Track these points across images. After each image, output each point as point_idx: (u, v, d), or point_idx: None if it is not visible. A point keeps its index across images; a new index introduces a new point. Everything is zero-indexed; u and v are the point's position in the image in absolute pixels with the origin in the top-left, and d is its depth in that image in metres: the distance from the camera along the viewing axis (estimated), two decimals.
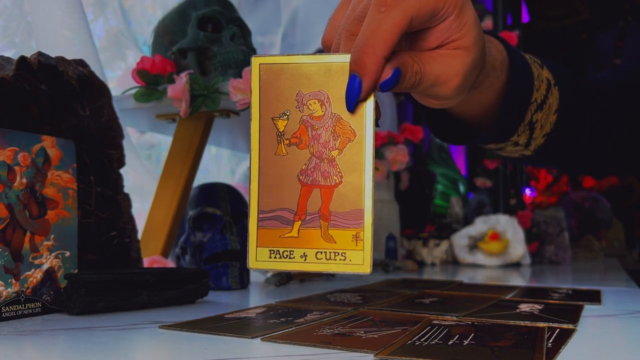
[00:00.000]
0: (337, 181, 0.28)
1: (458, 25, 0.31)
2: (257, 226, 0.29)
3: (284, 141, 0.29)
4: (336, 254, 0.28)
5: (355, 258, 0.28)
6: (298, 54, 0.29)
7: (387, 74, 0.29)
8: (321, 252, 0.28)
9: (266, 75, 0.29)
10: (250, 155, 0.29)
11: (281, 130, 0.29)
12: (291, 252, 0.29)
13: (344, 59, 0.28)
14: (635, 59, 0.63)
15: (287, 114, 0.29)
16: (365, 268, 0.28)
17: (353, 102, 0.28)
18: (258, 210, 0.29)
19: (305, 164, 0.29)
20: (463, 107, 0.42)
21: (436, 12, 0.31)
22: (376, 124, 0.29)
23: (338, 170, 0.28)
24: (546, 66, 0.49)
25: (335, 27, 0.33)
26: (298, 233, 0.29)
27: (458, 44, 0.32)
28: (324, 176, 0.29)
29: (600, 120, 0.56)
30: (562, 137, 0.51)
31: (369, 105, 0.28)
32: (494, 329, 0.34)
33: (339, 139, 0.29)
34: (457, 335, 0.32)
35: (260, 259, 0.29)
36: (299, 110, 0.29)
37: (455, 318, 0.37)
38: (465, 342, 0.30)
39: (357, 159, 0.28)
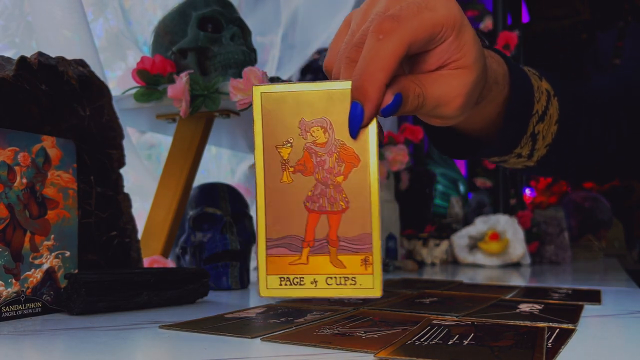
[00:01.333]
0: (344, 207, 0.29)
1: (457, 46, 0.32)
2: (266, 254, 0.29)
3: (288, 169, 0.29)
4: (346, 279, 0.29)
5: (365, 282, 0.28)
6: (299, 82, 0.30)
7: (389, 99, 0.30)
8: (331, 278, 0.29)
9: (268, 104, 0.29)
10: (256, 183, 0.29)
11: (285, 158, 0.29)
12: (301, 279, 0.29)
13: (345, 85, 0.29)
14: (634, 59, 0.64)
15: (291, 141, 0.29)
16: (376, 292, 0.28)
17: (356, 128, 0.29)
18: (266, 239, 0.29)
19: (311, 191, 0.29)
20: (466, 122, 0.42)
21: (434, 36, 0.31)
22: (380, 145, 0.29)
23: (344, 195, 0.29)
24: (545, 77, 0.49)
25: (336, 52, 0.33)
26: (307, 260, 0.29)
27: (459, 64, 0.32)
28: (330, 202, 0.29)
29: (599, 120, 0.56)
30: (563, 145, 0.52)
31: (371, 130, 0.29)
32: (494, 328, 0.34)
33: (343, 165, 0.29)
34: (457, 335, 0.32)
35: (270, 287, 0.29)
36: (302, 137, 0.29)
37: (455, 318, 0.37)
38: (465, 342, 0.30)
39: (362, 183, 0.28)
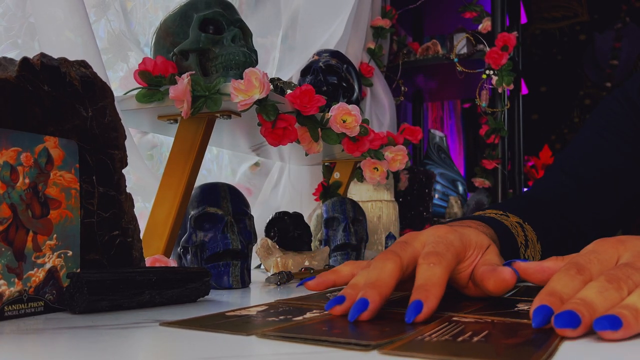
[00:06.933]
0: None
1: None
2: None
3: None
4: None
5: None
6: None
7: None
8: None
9: None
10: None
11: None
12: None
13: None
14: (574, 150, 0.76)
15: None
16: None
17: (413, 316, 0.35)
18: None
19: None
20: None
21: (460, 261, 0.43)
22: None
23: None
24: (508, 211, 0.60)
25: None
26: None
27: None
28: None
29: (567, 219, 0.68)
30: (556, 249, 0.61)
31: None
32: (511, 327, 0.34)
33: None
34: (470, 333, 0.32)
35: None
36: None
37: (476, 315, 0.38)
38: (475, 339, 0.30)
39: None
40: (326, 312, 0.39)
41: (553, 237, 0.64)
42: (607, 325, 0.30)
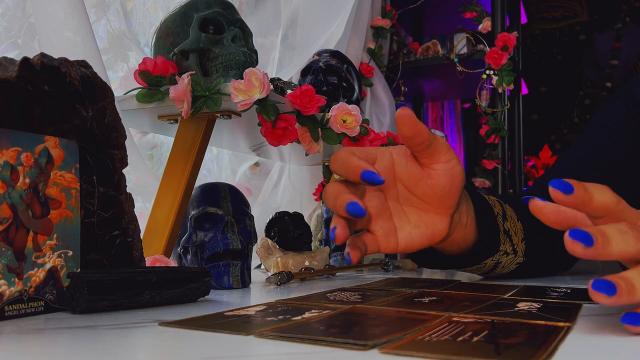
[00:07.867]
0: None
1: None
2: None
3: None
4: None
5: None
6: None
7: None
8: None
9: None
10: None
11: None
12: None
13: None
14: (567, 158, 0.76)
15: None
16: None
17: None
18: None
19: None
20: (450, 245, 0.51)
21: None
22: None
23: None
24: (490, 195, 0.61)
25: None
26: None
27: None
28: None
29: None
30: (537, 236, 0.62)
31: None
32: (512, 327, 0.34)
33: None
34: (470, 332, 0.32)
35: None
36: None
37: (476, 316, 0.38)
38: (475, 339, 0.30)
39: None
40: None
41: (542, 226, 0.63)
42: (603, 288, 0.30)
